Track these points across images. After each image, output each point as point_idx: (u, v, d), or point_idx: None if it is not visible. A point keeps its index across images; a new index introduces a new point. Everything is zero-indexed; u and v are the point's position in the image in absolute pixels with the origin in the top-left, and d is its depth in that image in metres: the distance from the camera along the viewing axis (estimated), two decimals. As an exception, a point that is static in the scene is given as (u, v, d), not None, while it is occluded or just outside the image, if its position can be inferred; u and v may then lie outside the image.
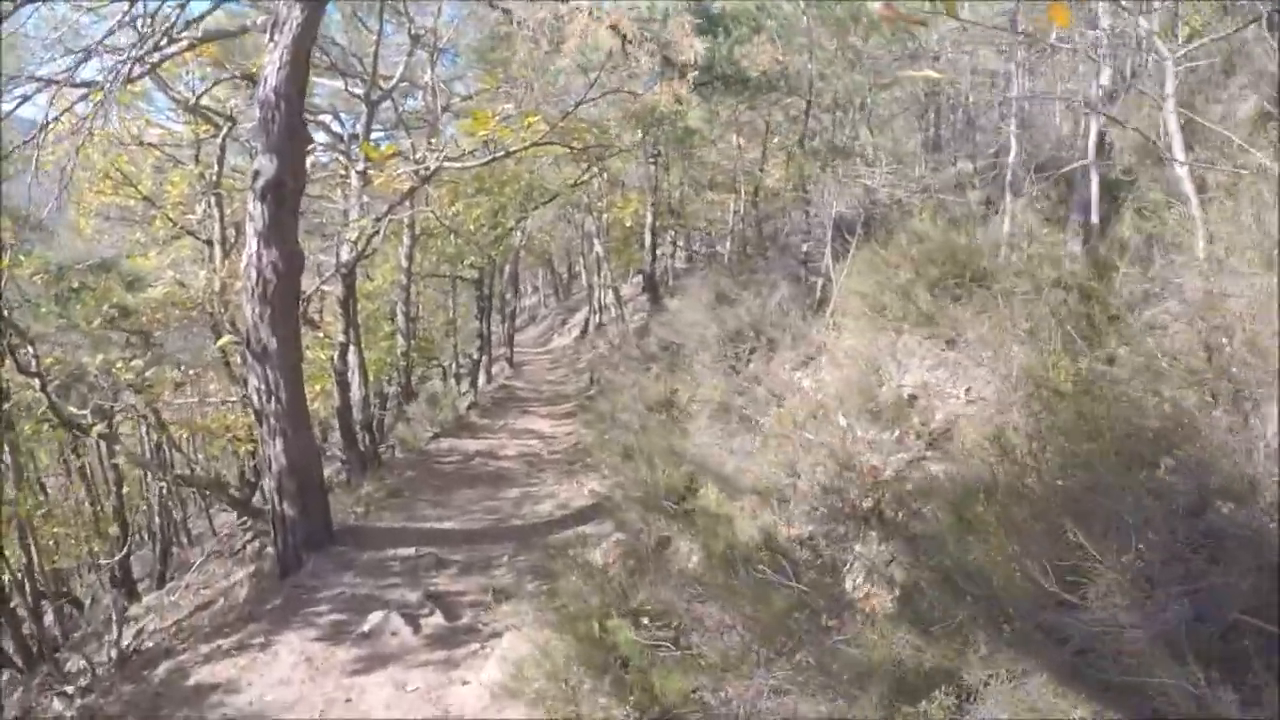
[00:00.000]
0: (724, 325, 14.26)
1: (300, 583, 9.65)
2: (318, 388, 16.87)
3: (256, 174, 8.85)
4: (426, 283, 30.87)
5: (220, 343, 13.06)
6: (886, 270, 10.08)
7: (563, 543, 10.38)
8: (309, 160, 12.00)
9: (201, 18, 11.90)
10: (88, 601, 18.33)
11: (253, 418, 10.63)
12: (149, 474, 15.72)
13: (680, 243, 29.69)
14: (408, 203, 16.15)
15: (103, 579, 17.62)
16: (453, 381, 27.60)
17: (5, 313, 11.39)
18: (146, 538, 19.86)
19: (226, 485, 16.05)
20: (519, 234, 27.48)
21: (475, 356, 24.02)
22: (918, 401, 8.09)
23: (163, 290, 13.62)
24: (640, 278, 35.84)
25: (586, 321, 35.41)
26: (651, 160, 25.11)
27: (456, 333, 29.21)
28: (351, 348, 15.86)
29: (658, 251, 26.52)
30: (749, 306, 13.57)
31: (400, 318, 20.46)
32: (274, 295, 8.95)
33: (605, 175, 24.26)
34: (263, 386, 9.34)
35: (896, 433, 7.53)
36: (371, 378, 20.67)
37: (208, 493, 17.57)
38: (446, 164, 12.92)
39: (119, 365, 12.64)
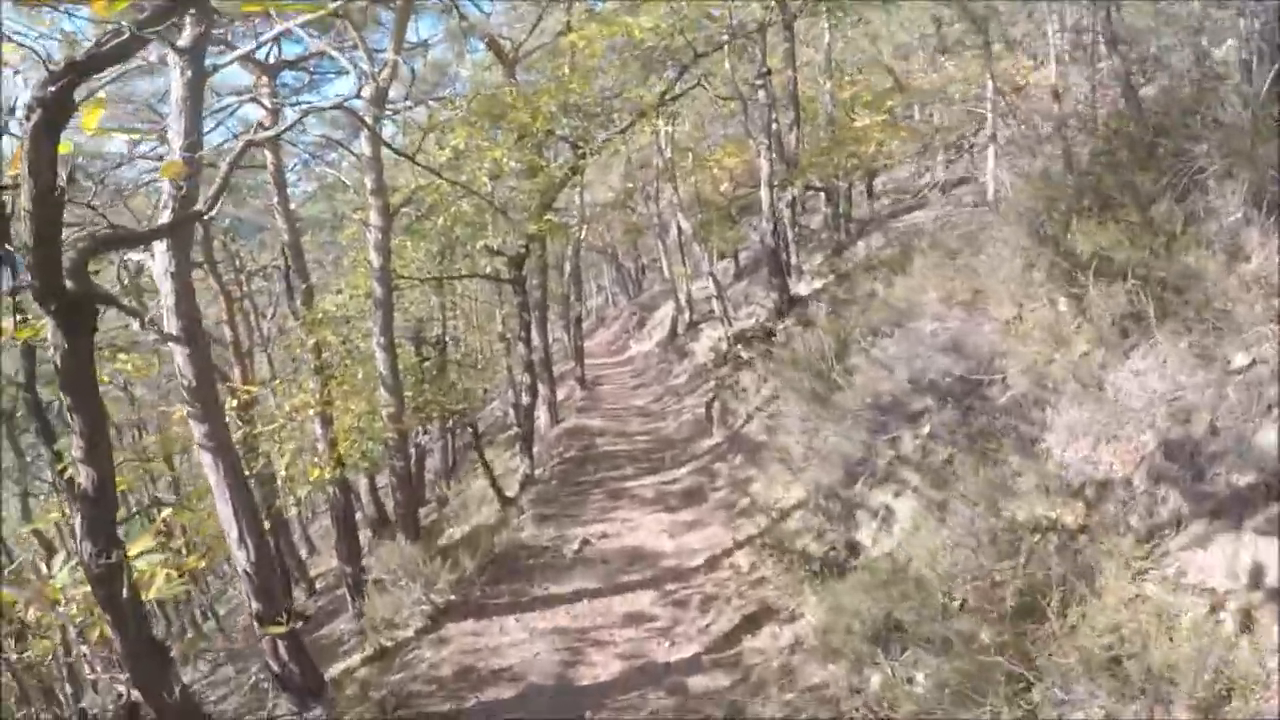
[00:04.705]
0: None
1: None
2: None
3: None
4: (463, 292, 21.14)
5: None
6: None
7: None
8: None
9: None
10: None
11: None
12: None
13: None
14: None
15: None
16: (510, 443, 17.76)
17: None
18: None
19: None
20: (577, 201, 17.44)
21: (525, 398, 13.95)
22: None
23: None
24: (730, 263, 25.91)
25: (674, 321, 25.38)
26: (759, 81, 15.04)
27: (510, 353, 19.17)
28: (208, 455, 6.25)
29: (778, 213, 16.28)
30: None
31: (379, 356, 10.43)
32: None
33: (710, 84, 14.26)
34: None
35: None
36: (345, 467, 10.88)
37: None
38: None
39: None
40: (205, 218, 5.58)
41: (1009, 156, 8.55)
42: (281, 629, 6.14)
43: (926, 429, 6.77)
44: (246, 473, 12.35)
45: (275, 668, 6.84)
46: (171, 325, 6.22)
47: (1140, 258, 5.75)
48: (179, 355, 6.19)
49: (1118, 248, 5.90)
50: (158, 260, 6.27)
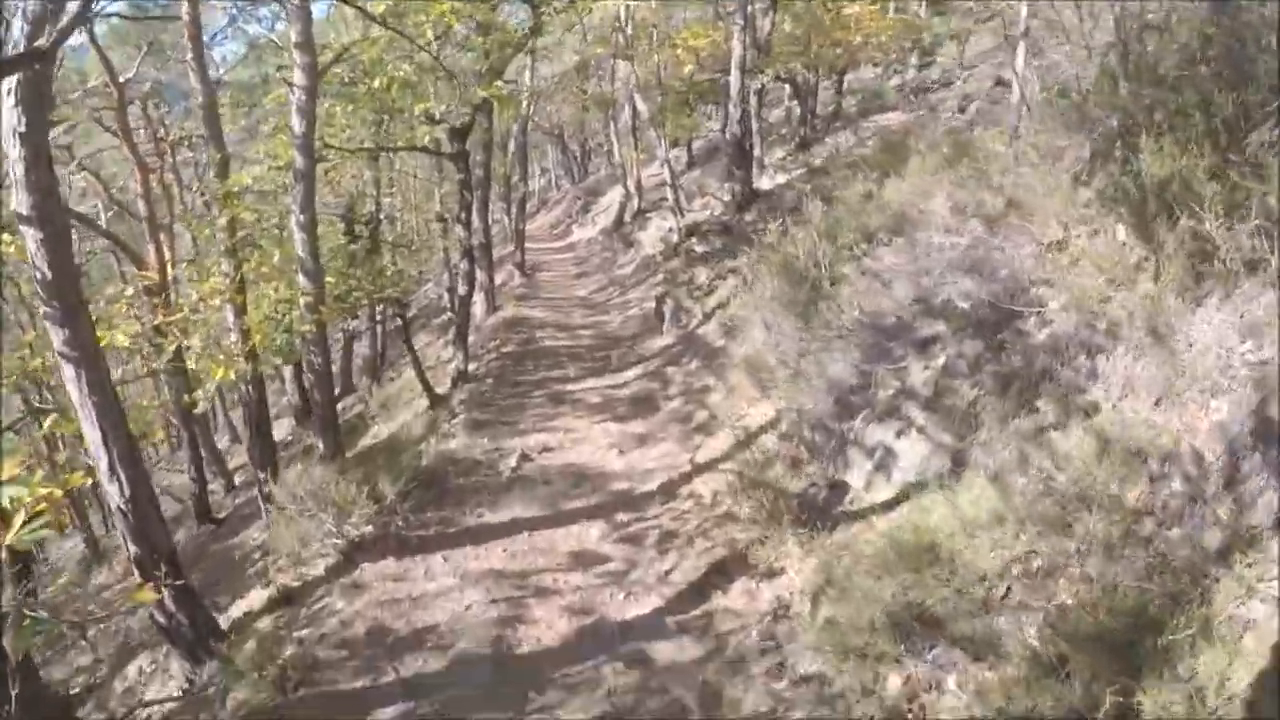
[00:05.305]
0: None
1: None
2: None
3: None
4: (401, 168, 19.38)
5: None
6: None
7: None
8: None
9: None
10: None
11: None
12: None
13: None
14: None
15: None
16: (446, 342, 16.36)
17: None
18: None
19: None
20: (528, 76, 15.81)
21: (462, 287, 12.58)
22: None
23: None
24: (682, 152, 24.27)
25: (621, 208, 23.95)
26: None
27: (447, 235, 17.44)
28: (69, 366, 4.98)
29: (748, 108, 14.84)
30: None
31: (298, 236, 8.98)
32: None
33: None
34: None
35: None
36: (258, 362, 9.59)
37: None
38: None
39: None
40: (47, 53, 4.09)
41: (1039, 55, 7.34)
42: (153, 597, 4.93)
43: (941, 360, 5.75)
44: (155, 365, 11.00)
45: (161, 619, 5.71)
46: (20, 202, 4.81)
47: (1219, 191, 4.67)
48: (30, 240, 4.79)
49: (1194, 176, 4.81)
50: (4, 117, 4.82)
